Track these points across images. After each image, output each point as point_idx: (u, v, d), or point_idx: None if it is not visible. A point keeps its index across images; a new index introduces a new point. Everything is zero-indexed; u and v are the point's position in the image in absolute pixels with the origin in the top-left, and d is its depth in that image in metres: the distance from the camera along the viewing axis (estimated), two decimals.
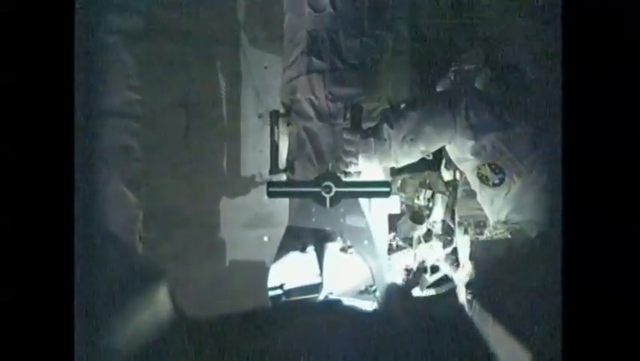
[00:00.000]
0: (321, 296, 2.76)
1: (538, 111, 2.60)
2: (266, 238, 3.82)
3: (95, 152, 2.80)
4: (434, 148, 2.80)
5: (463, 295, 2.55)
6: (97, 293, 1.85)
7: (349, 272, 2.83)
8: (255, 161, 3.85)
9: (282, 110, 3.38)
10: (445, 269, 3.04)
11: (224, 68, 3.73)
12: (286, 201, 3.37)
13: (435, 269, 3.06)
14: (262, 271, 3.78)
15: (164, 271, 2.45)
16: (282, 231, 3.72)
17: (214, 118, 3.67)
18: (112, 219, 2.89)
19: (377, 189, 2.76)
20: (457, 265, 2.99)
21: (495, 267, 2.36)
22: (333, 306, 2.75)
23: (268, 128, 3.85)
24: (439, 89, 3.11)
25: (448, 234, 3.05)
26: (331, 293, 2.75)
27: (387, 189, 2.71)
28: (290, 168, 3.35)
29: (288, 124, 3.37)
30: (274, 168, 3.35)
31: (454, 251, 3.03)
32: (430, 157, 2.98)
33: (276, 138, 3.35)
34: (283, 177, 3.43)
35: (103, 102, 2.91)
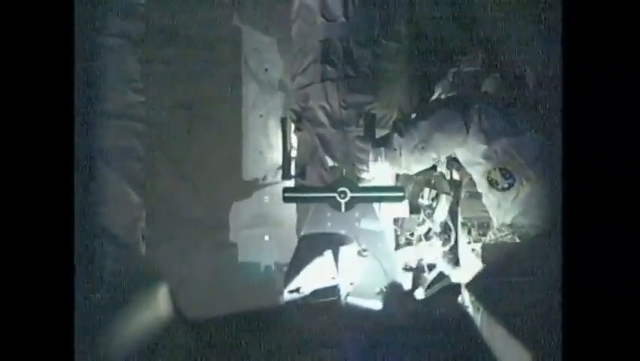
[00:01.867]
0: (341, 298, 2.80)
1: (543, 116, 2.62)
2: (267, 237, 3.85)
3: (98, 153, 2.82)
4: (445, 154, 2.87)
5: (463, 295, 2.56)
6: (97, 293, 1.86)
7: (365, 274, 2.86)
8: (256, 161, 3.87)
9: (292, 117, 3.43)
10: (442, 266, 3.06)
11: (226, 70, 3.75)
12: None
13: (432, 267, 3.10)
14: (264, 269, 3.80)
15: (165, 271, 2.46)
16: (282, 230, 3.74)
17: (216, 119, 3.69)
18: (115, 219, 2.90)
19: (391, 194, 2.89)
20: (456, 264, 3.02)
21: (498, 269, 2.36)
22: (344, 306, 2.77)
23: (269, 129, 3.87)
24: (438, 90, 3.13)
25: (446, 232, 3.08)
26: (348, 295, 2.79)
27: (401, 194, 2.83)
28: (301, 173, 3.40)
29: (298, 130, 3.41)
30: (287, 174, 3.43)
31: (453, 250, 3.05)
32: (443, 163, 3.03)
33: (287, 144, 3.40)
34: (291, 182, 3.47)
35: (106, 104, 2.93)
